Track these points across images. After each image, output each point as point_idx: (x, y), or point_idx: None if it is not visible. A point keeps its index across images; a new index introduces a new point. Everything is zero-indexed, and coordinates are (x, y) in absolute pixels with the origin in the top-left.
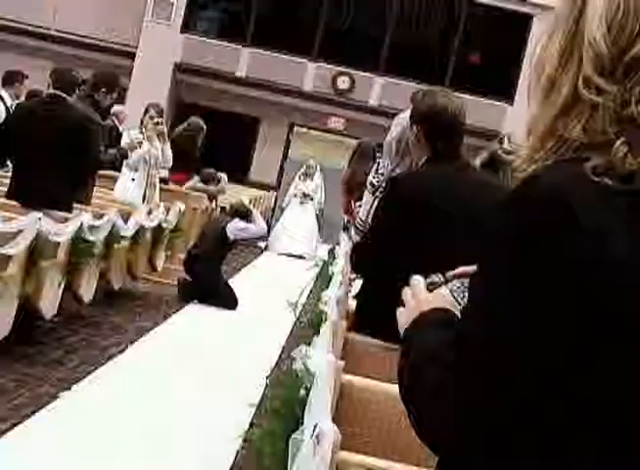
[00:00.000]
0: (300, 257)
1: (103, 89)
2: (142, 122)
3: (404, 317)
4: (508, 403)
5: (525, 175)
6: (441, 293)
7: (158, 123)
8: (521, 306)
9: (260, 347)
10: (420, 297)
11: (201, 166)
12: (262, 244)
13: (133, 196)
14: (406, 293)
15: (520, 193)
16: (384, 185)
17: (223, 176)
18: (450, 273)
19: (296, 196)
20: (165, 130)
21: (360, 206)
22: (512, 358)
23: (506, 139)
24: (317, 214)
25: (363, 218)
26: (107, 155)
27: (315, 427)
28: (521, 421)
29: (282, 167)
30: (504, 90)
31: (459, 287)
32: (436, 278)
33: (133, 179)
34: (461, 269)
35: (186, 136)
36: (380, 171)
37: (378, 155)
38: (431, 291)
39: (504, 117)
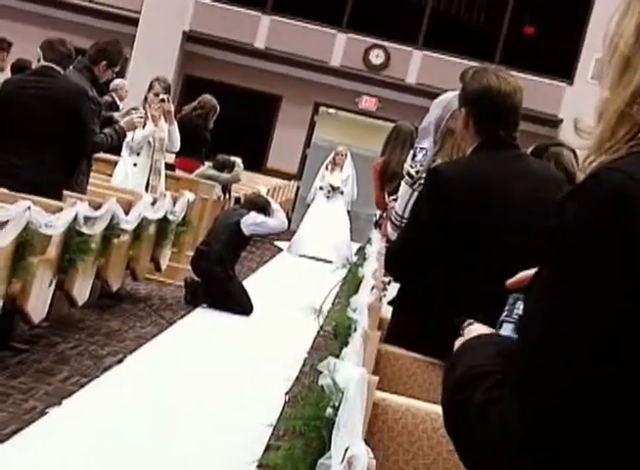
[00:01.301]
0: (329, 262)
1: (103, 63)
2: (146, 99)
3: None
4: (587, 418)
5: (592, 168)
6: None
7: (164, 101)
8: (589, 308)
9: (279, 358)
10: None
11: (212, 151)
12: (283, 244)
13: (135, 183)
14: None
15: (586, 189)
16: (424, 177)
17: (238, 161)
18: (510, 281)
19: (322, 189)
20: (172, 109)
21: (395, 199)
22: (586, 358)
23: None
24: (349, 210)
25: (400, 213)
26: (100, 136)
27: (346, 451)
28: (599, 434)
29: (305, 154)
30: (562, 68)
31: (509, 308)
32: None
33: (135, 164)
34: (518, 277)
35: (196, 116)
36: (418, 159)
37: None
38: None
39: (562, 99)
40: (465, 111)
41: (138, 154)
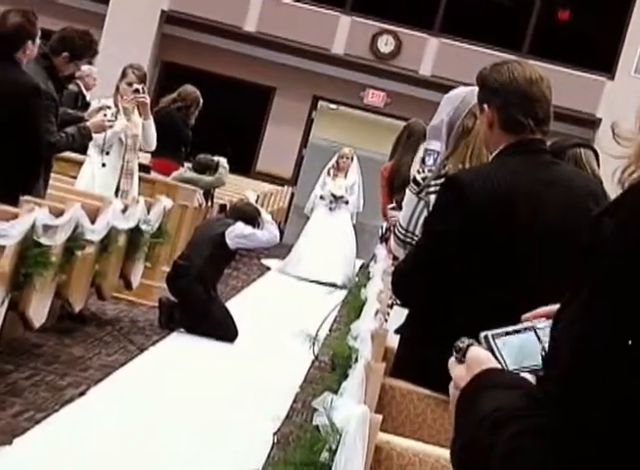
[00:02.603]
0: (333, 285)
1: (64, 54)
2: (117, 90)
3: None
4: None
5: (632, 180)
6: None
7: (138, 91)
8: (627, 328)
9: (267, 393)
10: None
11: (193, 150)
12: (272, 262)
13: (104, 187)
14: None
15: (626, 205)
16: (433, 183)
17: (222, 162)
18: (526, 316)
19: (323, 198)
20: (148, 101)
21: (394, 208)
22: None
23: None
24: (354, 224)
25: (404, 225)
26: (59, 136)
27: None
28: None
29: (301, 155)
30: (602, 59)
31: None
32: (464, 342)
33: (104, 165)
34: (536, 312)
35: (176, 110)
36: (427, 163)
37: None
38: (458, 360)
39: (601, 96)
40: (488, 107)
41: (107, 153)
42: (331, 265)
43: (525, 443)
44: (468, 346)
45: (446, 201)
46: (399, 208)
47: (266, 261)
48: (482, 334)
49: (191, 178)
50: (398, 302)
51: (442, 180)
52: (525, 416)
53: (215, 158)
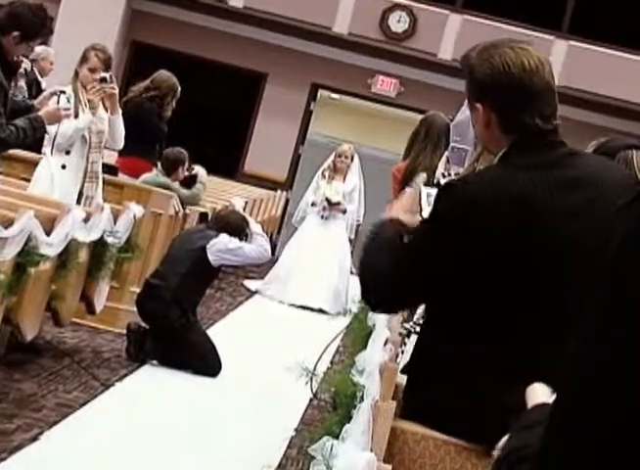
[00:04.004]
0: (322, 311)
1: (14, 34)
2: (76, 76)
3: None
4: None
5: None
6: None
7: (105, 80)
8: None
9: (256, 437)
10: None
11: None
12: (254, 284)
13: (64, 192)
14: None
15: None
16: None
17: (201, 175)
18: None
19: (315, 205)
20: (116, 91)
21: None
22: None
23: None
24: (351, 239)
25: None
26: (7, 129)
27: None
28: None
29: (297, 154)
30: None
31: None
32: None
33: (64, 166)
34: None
35: (148, 100)
36: (454, 164)
37: (456, 140)
38: None
39: None
40: (481, 106)
41: (68, 152)
42: (320, 288)
43: None
44: None
45: (447, 215)
46: None
47: (249, 283)
48: None
49: (161, 183)
50: (412, 328)
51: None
52: None
53: (195, 168)
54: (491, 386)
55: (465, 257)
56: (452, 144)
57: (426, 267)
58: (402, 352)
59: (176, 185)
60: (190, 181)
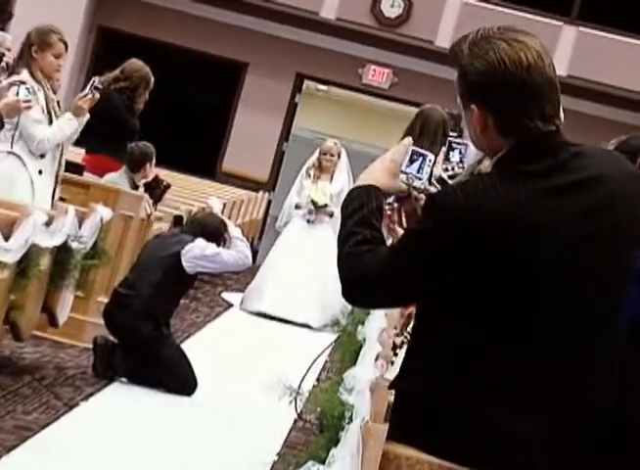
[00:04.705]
0: (306, 325)
1: None
2: (33, 61)
3: None
4: None
5: None
6: None
7: (97, 88)
8: None
9: (234, 461)
10: None
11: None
12: (233, 297)
13: (41, 198)
14: None
15: None
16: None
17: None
18: None
19: (299, 208)
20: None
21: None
22: None
23: None
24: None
25: None
26: None
27: None
28: None
29: (281, 150)
30: None
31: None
32: None
33: (40, 172)
34: None
35: (117, 91)
36: (453, 160)
37: (452, 135)
38: None
39: None
40: (476, 108)
41: (42, 156)
42: (304, 301)
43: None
44: None
45: (434, 234)
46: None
47: (228, 296)
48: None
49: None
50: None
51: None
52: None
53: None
54: (500, 409)
55: (455, 272)
56: (451, 138)
57: (411, 280)
58: (392, 364)
59: (136, 176)
60: (154, 186)
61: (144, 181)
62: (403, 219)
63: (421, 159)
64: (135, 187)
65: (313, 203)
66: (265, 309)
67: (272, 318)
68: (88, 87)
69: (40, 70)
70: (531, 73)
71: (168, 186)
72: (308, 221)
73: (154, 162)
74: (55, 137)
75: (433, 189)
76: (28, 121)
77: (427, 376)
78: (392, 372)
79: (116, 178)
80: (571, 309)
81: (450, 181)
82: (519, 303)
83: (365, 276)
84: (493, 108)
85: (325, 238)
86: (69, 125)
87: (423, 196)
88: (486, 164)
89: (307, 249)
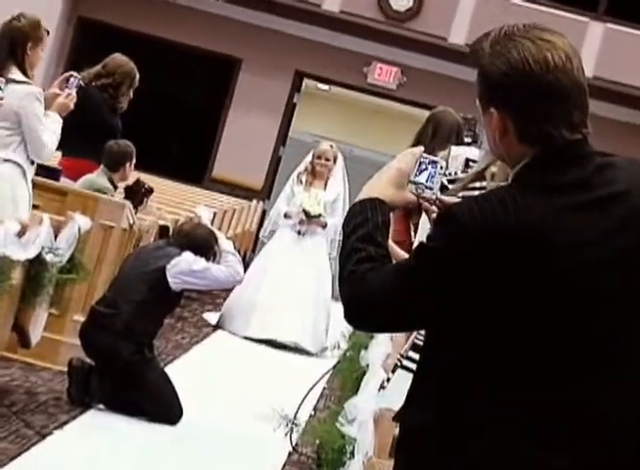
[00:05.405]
0: (301, 350)
1: None
2: (25, 56)
3: None
4: None
5: None
6: None
7: (80, 87)
8: None
9: None
10: None
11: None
12: (213, 318)
13: (26, 207)
14: None
15: None
16: (470, 187)
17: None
18: None
19: (288, 217)
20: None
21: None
22: None
23: None
24: (331, 259)
25: None
26: None
27: None
28: None
29: (277, 155)
30: None
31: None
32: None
33: (32, 180)
34: None
35: (99, 88)
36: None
37: (466, 140)
38: None
39: None
40: (496, 111)
41: (33, 163)
42: (293, 321)
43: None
44: None
45: (444, 254)
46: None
47: (208, 316)
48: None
49: (102, 187)
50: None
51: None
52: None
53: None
54: (522, 446)
55: (470, 291)
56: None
57: (422, 299)
58: (382, 388)
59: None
60: (136, 190)
61: (123, 184)
62: (411, 232)
63: (431, 167)
64: (115, 188)
65: (305, 212)
66: (248, 330)
67: (261, 341)
68: (72, 85)
69: (31, 64)
70: (558, 76)
71: (151, 190)
72: (299, 233)
73: (134, 162)
74: (54, 141)
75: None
76: (40, 125)
77: (438, 407)
78: (383, 399)
79: (95, 179)
80: (593, 332)
81: (450, 186)
82: (538, 326)
83: (370, 296)
84: (514, 112)
85: (317, 250)
86: (59, 127)
87: (434, 208)
88: (492, 171)
89: (297, 263)
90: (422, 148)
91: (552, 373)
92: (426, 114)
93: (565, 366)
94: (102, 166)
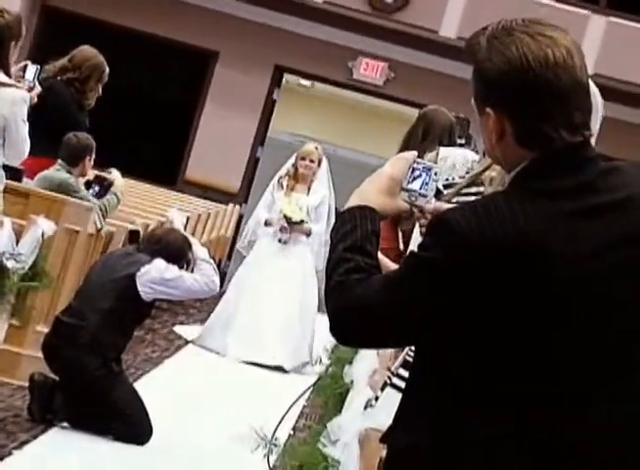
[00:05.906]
0: (280, 368)
1: None
2: (8, 51)
3: None
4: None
5: None
6: None
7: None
8: None
9: None
10: None
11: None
12: (187, 330)
13: None
14: None
15: None
16: (465, 192)
17: (116, 180)
18: None
19: (269, 224)
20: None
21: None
22: None
23: None
24: (318, 269)
25: None
26: None
27: None
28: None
29: (255, 157)
30: None
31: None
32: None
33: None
34: None
35: (65, 83)
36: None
37: (459, 141)
38: None
39: None
40: (493, 111)
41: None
42: (275, 340)
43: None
44: None
45: (438, 264)
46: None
47: (181, 330)
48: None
49: (64, 182)
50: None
51: (475, 190)
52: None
53: (111, 172)
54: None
55: (465, 302)
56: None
57: (415, 312)
58: (369, 407)
59: (82, 189)
60: (99, 184)
61: (83, 180)
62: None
63: (425, 173)
64: (67, 186)
65: (286, 219)
66: (229, 350)
67: (244, 362)
68: (33, 74)
69: (10, 63)
70: (558, 74)
71: (111, 184)
72: (280, 241)
73: (93, 156)
74: (27, 139)
75: (431, 206)
76: (25, 130)
77: (432, 426)
78: (371, 418)
79: (54, 174)
80: (605, 342)
81: (446, 191)
82: (539, 336)
83: (359, 308)
84: (512, 112)
85: (300, 261)
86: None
87: (428, 216)
88: (490, 175)
89: (279, 274)
90: (415, 153)
91: (552, 384)
92: (415, 112)
93: (567, 378)
94: (59, 161)
